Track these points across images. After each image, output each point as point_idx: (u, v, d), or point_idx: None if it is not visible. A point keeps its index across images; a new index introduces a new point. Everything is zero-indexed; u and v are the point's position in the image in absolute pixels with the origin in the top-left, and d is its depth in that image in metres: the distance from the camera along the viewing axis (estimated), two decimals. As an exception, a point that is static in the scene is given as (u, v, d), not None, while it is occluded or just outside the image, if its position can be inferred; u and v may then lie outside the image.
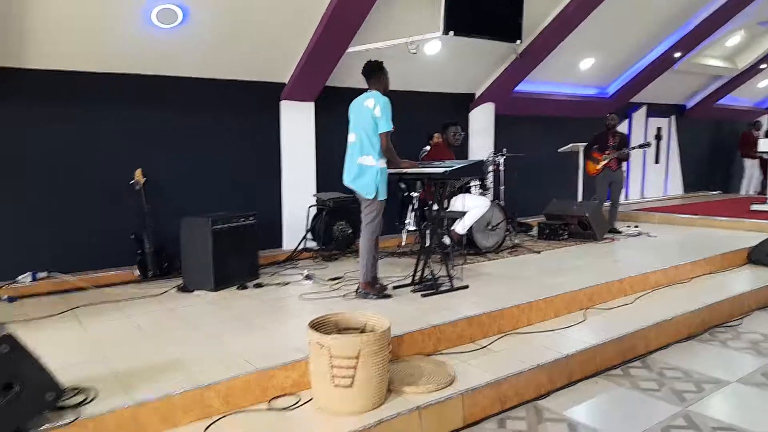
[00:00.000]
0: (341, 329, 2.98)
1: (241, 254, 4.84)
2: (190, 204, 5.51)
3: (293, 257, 5.94)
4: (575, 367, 3.33)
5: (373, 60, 4.19)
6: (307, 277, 4.95)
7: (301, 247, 6.04)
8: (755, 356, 3.63)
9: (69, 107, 5.11)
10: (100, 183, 5.28)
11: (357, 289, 4.30)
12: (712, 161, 12.05)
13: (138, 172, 5.24)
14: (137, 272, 5.18)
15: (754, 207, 8.22)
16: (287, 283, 4.85)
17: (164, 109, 5.58)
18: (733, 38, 9.42)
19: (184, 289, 4.72)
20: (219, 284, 4.64)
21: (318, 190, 6.44)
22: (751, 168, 11.34)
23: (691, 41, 8.36)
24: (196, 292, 4.63)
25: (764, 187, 10.21)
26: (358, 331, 2.95)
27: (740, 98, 11.66)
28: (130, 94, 5.36)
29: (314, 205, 6.22)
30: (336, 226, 6.03)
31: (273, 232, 6.29)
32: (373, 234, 4.17)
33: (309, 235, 6.10)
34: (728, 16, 8.04)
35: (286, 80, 6.11)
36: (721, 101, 11.17)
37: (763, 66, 10.26)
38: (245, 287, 4.74)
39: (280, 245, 6.36)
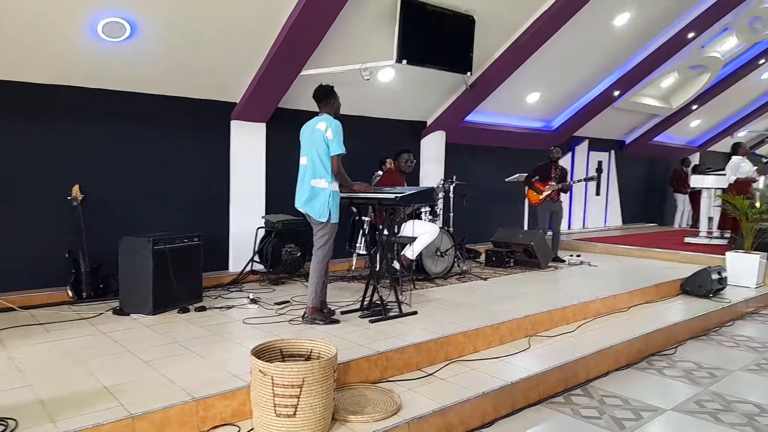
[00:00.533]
0: (286, 356, 2.90)
1: (183, 276, 4.67)
2: (132, 223, 5.31)
3: (239, 280, 5.78)
4: (519, 395, 3.35)
5: (324, 84, 4.22)
6: (253, 301, 4.82)
7: (247, 269, 5.89)
8: (689, 385, 3.77)
9: (2, 119, 4.84)
10: (35, 198, 5.00)
11: (304, 315, 4.21)
12: (647, 195, 12.69)
13: (75, 189, 4.99)
14: (71, 293, 4.90)
15: (688, 240, 8.68)
16: (231, 307, 4.70)
17: (107, 124, 5.37)
18: (667, 79, 10.05)
19: (120, 312, 4.49)
20: (158, 307, 4.45)
21: (267, 212, 6.33)
22: (683, 202, 12.03)
23: (629, 81, 8.85)
24: (133, 316, 4.42)
25: (695, 221, 10.81)
26: (304, 358, 2.88)
27: (674, 136, 12.39)
28: (70, 107, 5.14)
29: (263, 227, 6.11)
30: (285, 248, 5.93)
31: (219, 254, 6.11)
32: (324, 258, 4.12)
33: (256, 258, 5.97)
34: (663, 59, 8.59)
35: (237, 100, 6.03)
36: (657, 138, 11.83)
37: (694, 107, 10.97)
38: (187, 311, 4.56)
39: (226, 267, 6.19)
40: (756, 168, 8.30)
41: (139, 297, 4.45)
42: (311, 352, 2.90)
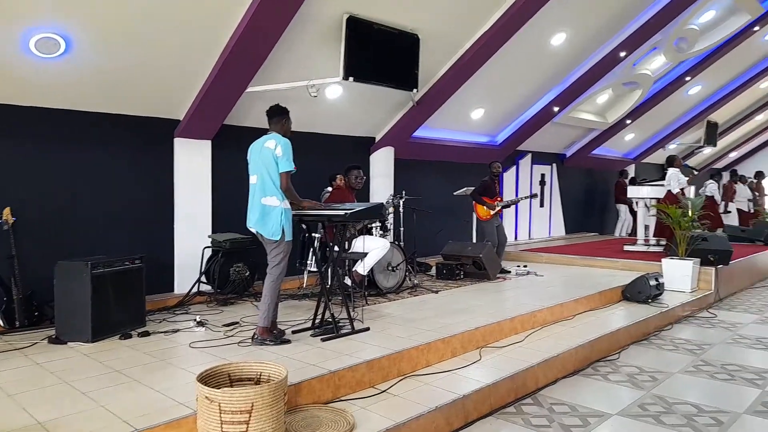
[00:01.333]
0: (234, 380, 2.82)
1: (125, 301, 4.48)
2: (69, 247, 5.07)
3: (185, 302, 5.59)
4: (471, 407, 3.38)
5: (281, 105, 4.24)
6: (199, 324, 4.67)
7: (194, 291, 5.71)
8: (632, 389, 3.92)
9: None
10: (-41, 222, 4.70)
11: (254, 336, 4.12)
12: (588, 205, 13.20)
13: (6, 211, 4.72)
14: (2, 322, 4.60)
15: (627, 248, 9.06)
16: (177, 331, 4.53)
17: (41, 144, 5.12)
18: (602, 96, 10.54)
19: (56, 340, 4.25)
20: (98, 334, 4.24)
21: (214, 231, 6.17)
22: (625, 212, 12.60)
23: (567, 97, 9.23)
24: (70, 344, 4.19)
25: (634, 230, 11.30)
26: (253, 382, 2.80)
27: (611, 149, 12.99)
28: (1, 125, 4.87)
29: (209, 247, 5.95)
30: (233, 268, 5.80)
31: (164, 276, 5.91)
32: (279, 277, 4.08)
33: (203, 279, 5.80)
34: (598, 77, 9.01)
35: (180, 117, 5.89)
36: (595, 151, 12.36)
37: (628, 121, 11.54)
38: (129, 336, 4.36)
39: (171, 289, 5.98)
40: (687, 178, 8.80)
41: (77, 324, 4.23)
42: (260, 375, 2.83)
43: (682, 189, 8.58)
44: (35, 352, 4.01)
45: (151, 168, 5.85)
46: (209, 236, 6.03)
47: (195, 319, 4.76)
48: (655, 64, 10.07)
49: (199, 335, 4.39)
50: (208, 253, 5.92)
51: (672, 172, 8.73)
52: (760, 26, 9.78)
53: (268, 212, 4.02)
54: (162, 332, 4.49)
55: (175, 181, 5.99)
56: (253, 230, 4.14)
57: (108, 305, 4.32)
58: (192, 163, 6.07)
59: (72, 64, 4.78)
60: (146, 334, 4.43)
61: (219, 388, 2.53)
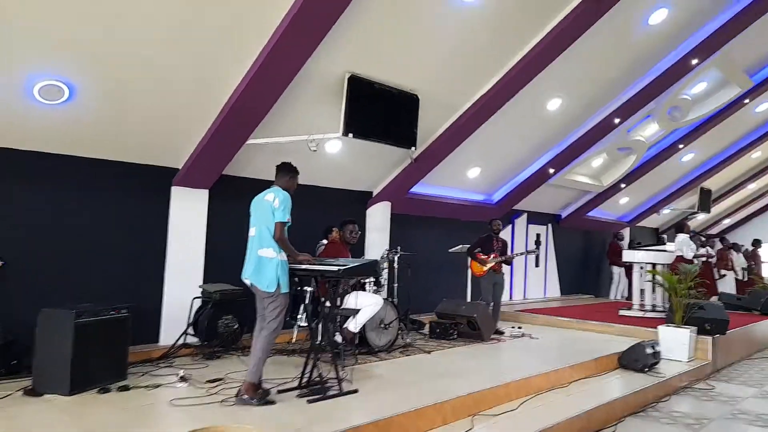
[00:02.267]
0: (213, 446, 2.68)
1: (107, 352, 4.35)
2: (55, 293, 4.97)
3: (170, 354, 5.42)
4: (462, 481, 3.22)
5: (292, 164, 4.35)
6: (182, 379, 4.51)
7: (180, 342, 5.55)
8: (629, 465, 3.75)
9: None
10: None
11: (238, 392, 3.97)
12: (584, 266, 13.16)
13: (-6, 255, 4.65)
14: (-23, 371, 4.44)
15: (622, 312, 8.96)
16: (158, 386, 4.37)
17: (35, 187, 5.11)
18: (597, 159, 10.70)
19: (32, 392, 4.08)
20: (76, 387, 4.08)
21: (205, 281, 6.08)
22: (619, 275, 12.54)
23: (563, 159, 9.36)
24: (46, 396, 4.02)
25: (630, 293, 11.22)
26: (233, 448, 2.67)
27: (606, 212, 13.08)
28: (-3, 167, 4.88)
29: (199, 297, 5.84)
30: (221, 320, 5.66)
31: (149, 325, 5.76)
32: (275, 332, 4.01)
33: (190, 330, 5.65)
34: (593, 141, 9.17)
35: (179, 166, 5.91)
36: (590, 213, 12.44)
37: (623, 185, 11.68)
38: (107, 390, 4.20)
39: (156, 340, 5.82)
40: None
41: (56, 375, 4.07)
42: (242, 440, 2.69)
43: (694, 255, 8.75)
44: (8, 404, 3.84)
45: (145, 215, 5.82)
46: (200, 286, 5.93)
47: (178, 374, 4.60)
48: (649, 130, 10.29)
49: (181, 391, 4.23)
50: (198, 303, 5.80)
51: (682, 237, 9.00)
52: (750, 98, 10.07)
53: (265, 264, 4.00)
54: (143, 386, 4.32)
55: (170, 230, 5.95)
56: (247, 282, 4.11)
57: (90, 357, 4.18)
58: (188, 212, 6.05)
59: (74, 110, 4.83)
60: (125, 388, 4.27)
61: (196, 455, 2.40)
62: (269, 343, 4.01)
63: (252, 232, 4.17)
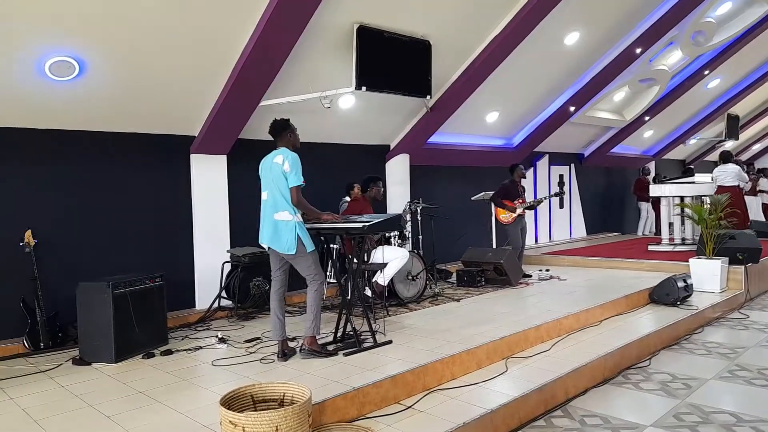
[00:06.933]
0: (258, 402, 2.77)
1: (146, 319, 4.48)
2: (90, 267, 5.11)
3: (206, 318, 5.59)
4: (499, 421, 3.30)
5: (278, 119, 4.18)
6: (221, 340, 4.65)
7: (215, 306, 5.71)
8: (665, 397, 3.79)
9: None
10: (-18, 247, 4.75)
11: (301, 347, 4.10)
12: (608, 204, 12.98)
13: (28, 234, 4.77)
14: (27, 344, 4.64)
15: (651, 248, 8.87)
16: (199, 348, 4.52)
17: (59, 165, 5.17)
18: (619, 93, 10.37)
19: (80, 361, 4.26)
20: (121, 354, 4.24)
21: (232, 246, 6.17)
22: (646, 210, 12.35)
23: (583, 96, 9.09)
24: (94, 365, 4.19)
25: (658, 228, 11.07)
26: (277, 403, 2.76)
27: (630, 147, 12.77)
28: (19, 149, 4.93)
29: (228, 262, 5.95)
30: (252, 282, 5.78)
31: (184, 292, 5.92)
32: (321, 285, 4.09)
33: (223, 294, 5.79)
34: (614, 74, 8.85)
35: (195, 133, 5.91)
36: (613, 150, 12.16)
37: (646, 118, 11.34)
38: (152, 356, 4.36)
39: (192, 305, 5.99)
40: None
41: (101, 345, 4.24)
42: (284, 396, 2.78)
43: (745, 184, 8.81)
44: (60, 374, 4.02)
45: (168, 185, 5.87)
46: (228, 251, 6.03)
47: (216, 336, 4.74)
48: (672, 59, 9.88)
49: (221, 352, 4.37)
50: (228, 267, 5.92)
51: (735, 168, 9.08)
52: (780, 16, 9.55)
53: (282, 227, 3.98)
54: (184, 350, 4.49)
55: (193, 197, 6.01)
56: (265, 246, 4.10)
57: (130, 325, 4.32)
58: (209, 179, 6.09)
59: (86, 85, 4.82)
60: (169, 352, 4.43)
61: (242, 411, 2.49)
62: (320, 297, 4.09)
63: (264, 196, 4.09)
